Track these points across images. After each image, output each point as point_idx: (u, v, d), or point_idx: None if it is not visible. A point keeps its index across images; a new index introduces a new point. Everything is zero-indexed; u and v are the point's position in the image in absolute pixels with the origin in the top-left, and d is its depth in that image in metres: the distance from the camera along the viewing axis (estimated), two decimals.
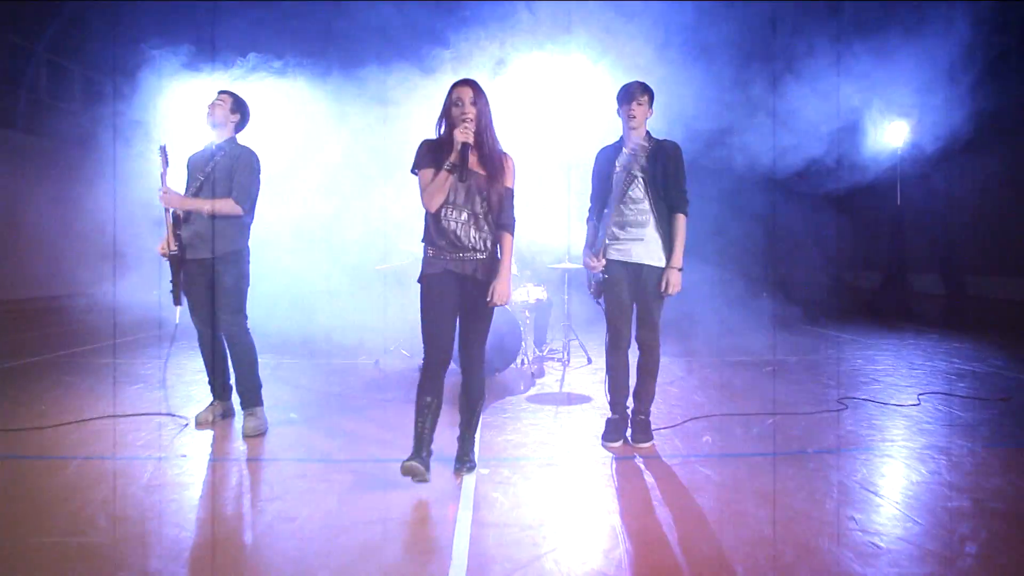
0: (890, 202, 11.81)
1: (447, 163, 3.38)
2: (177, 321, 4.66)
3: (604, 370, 4.36)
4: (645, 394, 4.29)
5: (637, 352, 4.24)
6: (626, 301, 4.20)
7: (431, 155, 3.49)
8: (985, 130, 8.65)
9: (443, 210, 3.46)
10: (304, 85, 9.51)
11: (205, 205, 4.48)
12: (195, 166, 4.59)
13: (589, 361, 7.27)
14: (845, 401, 5.44)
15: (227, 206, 4.52)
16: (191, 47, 9.35)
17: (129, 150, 9.18)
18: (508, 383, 6.17)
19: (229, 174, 4.50)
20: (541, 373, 6.70)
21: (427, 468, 3.38)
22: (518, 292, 7.13)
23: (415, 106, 8.53)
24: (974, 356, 7.77)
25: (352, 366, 7.05)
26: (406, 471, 3.35)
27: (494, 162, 3.52)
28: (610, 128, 7.57)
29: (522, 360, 6.82)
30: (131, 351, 8.08)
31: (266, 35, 9.73)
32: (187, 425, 4.63)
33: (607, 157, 4.30)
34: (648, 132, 4.28)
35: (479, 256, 3.52)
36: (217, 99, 4.58)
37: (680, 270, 4.09)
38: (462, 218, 3.47)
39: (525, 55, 8.33)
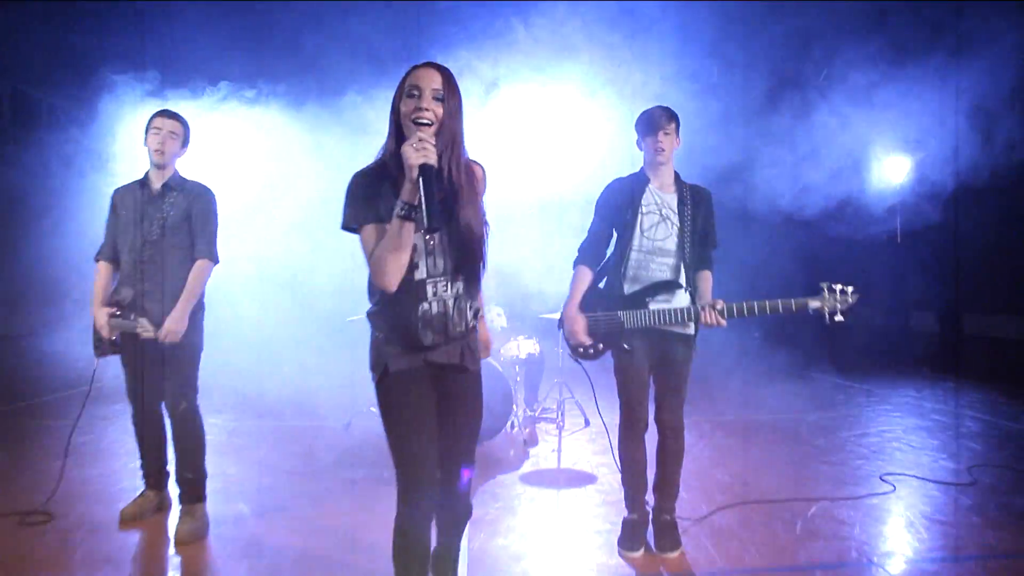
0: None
1: (400, 205, 2.11)
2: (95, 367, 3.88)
3: (611, 445, 3.63)
4: (669, 488, 3.53)
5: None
6: (645, 374, 3.46)
7: (371, 198, 2.26)
8: None
9: (415, 284, 2.30)
10: (277, 114, 8.81)
11: (195, 285, 3.75)
12: (140, 209, 3.73)
13: (587, 423, 6.50)
14: (888, 478, 4.71)
15: (205, 269, 3.80)
16: (157, 73, 8.63)
17: (82, 181, 8.41)
18: (498, 455, 5.39)
19: (185, 218, 3.74)
20: (534, 441, 5.91)
21: None
22: (507, 346, 6.37)
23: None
24: (1005, 411, 7.07)
25: (319, 430, 6.23)
26: None
27: (464, 182, 2.32)
28: (611, 163, 6.85)
29: (512, 423, 6.04)
30: (56, 411, 7.23)
31: (238, 62, 9.01)
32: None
33: (626, 191, 3.52)
34: (675, 171, 3.58)
35: (469, 333, 2.47)
36: (169, 129, 3.75)
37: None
38: (449, 292, 2.34)
39: (519, 79, 7.64)
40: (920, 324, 11.32)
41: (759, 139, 6.67)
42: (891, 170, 10.21)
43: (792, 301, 3.20)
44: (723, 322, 3.23)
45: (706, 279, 3.50)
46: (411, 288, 2.30)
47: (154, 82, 8.53)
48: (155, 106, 8.83)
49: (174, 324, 3.62)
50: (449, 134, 2.27)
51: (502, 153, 8.03)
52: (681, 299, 3.44)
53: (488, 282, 6.44)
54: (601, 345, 3.47)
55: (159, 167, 3.75)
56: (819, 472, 4.95)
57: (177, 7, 8.68)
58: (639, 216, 3.45)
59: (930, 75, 6.38)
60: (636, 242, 3.45)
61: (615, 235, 3.54)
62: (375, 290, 2.35)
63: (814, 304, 3.22)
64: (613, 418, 3.66)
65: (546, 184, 7.83)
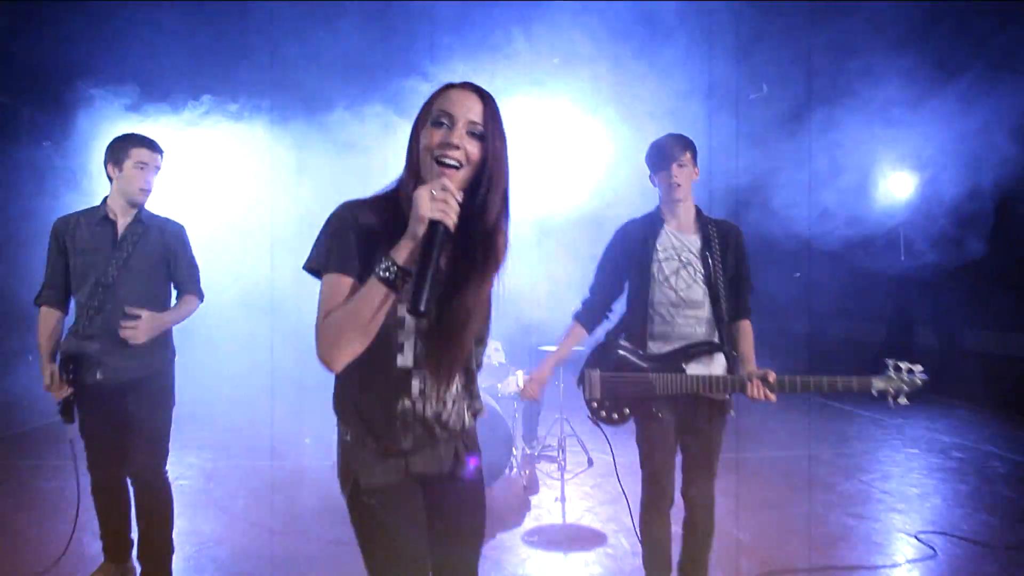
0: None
1: (386, 264, 1.59)
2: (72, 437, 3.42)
3: (630, 515, 3.19)
4: (698, 571, 3.10)
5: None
6: (672, 443, 3.04)
7: (356, 242, 1.73)
8: None
9: (397, 373, 1.78)
10: (261, 131, 8.37)
11: (180, 313, 3.39)
12: (100, 248, 3.25)
13: (590, 463, 6.07)
14: (924, 537, 4.30)
15: (194, 304, 3.44)
16: (136, 87, 8.17)
17: (56, 201, 7.94)
18: (497, 506, 4.95)
19: (153, 260, 3.32)
20: (535, 488, 5.47)
21: None
22: (506, 382, 5.94)
23: (389, 153, 7.42)
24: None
25: (302, 472, 5.77)
26: None
27: (487, 254, 1.76)
28: (616, 183, 6.42)
29: (512, 465, 5.60)
30: (25, 450, 6.75)
31: (220, 75, 8.57)
32: None
33: (639, 235, 3.11)
34: (697, 207, 3.17)
35: (464, 432, 1.94)
36: (156, 164, 3.31)
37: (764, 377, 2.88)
38: (440, 389, 1.82)
39: (518, 92, 7.21)
40: (921, 341, 10.91)
41: (779, 160, 6.26)
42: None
43: (854, 380, 2.77)
44: (772, 397, 2.80)
45: (746, 334, 3.08)
46: (390, 376, 1.77)
47: (132, 96, 8.09)
48: (133, 123, 8.50)
49: (144, 324, 3.18)
50: (486, 185, 1.72)
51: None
52: (719, 362, 3.02)
53: None
54: (627, 410, 3.05)
55: (133, 205, 3.31)
56: (847, 529, 4.53)
57: (156, 17, 8.23)
58: (655, 264, 3.04)
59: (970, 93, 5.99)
60: (656, 294, 3.03)
61: (627, 287, 3.14)
62: (343, 376, 1.81)
63: (878, 385, 2.80)
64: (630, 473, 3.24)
65: (546, 206, 7.40)
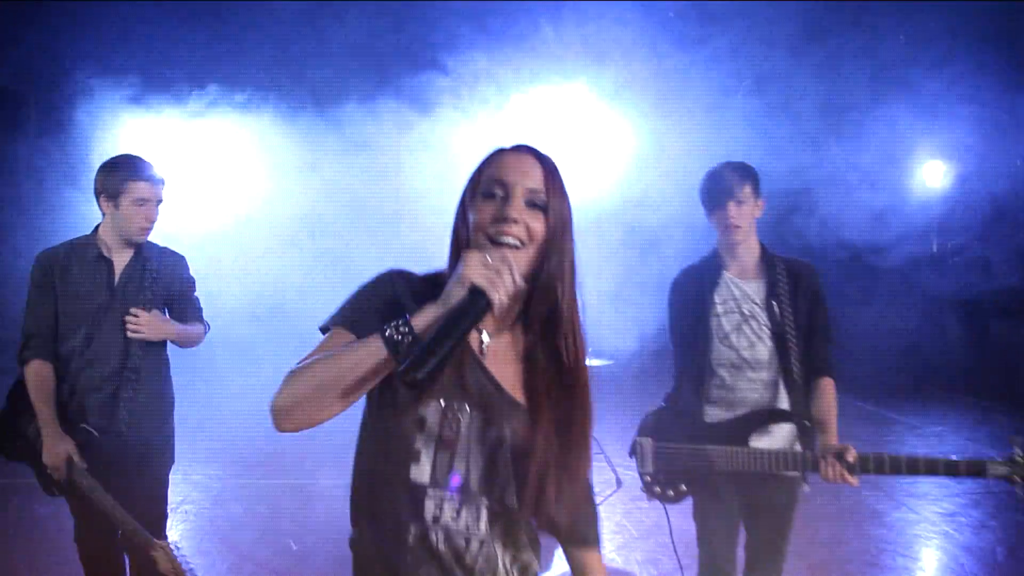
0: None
1: (397, 325, 1.28)
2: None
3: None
4: None
5: None
6: (734, 523, 2.66)
7: (376, 308, 1.41)
8: None
9: (411, 489, 1.41)
10: (269, 123, 7.97)
11: (188, 332, 3.02)
12: (100, 291, 2.84)
13: (619, 484, 5.69)
14: None
15: (198, 330, 3.08)
16: (138, 77, 7.80)
17: (56, 197, 7.59)
18: None
19: (162, 298, 2.94)
20: None
21: None
22: None
23: (403, 152, 7.02)
24: None
25: (311, 489, 5.43)
26: None
27: (560, 363, 1.45)
28: (650, 180, 5.95)
29: None
30: None
31: (225, 67, 8.19)
32: None
33: (695, 285, 2.75)
34: (762, 245, 2.77)
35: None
36: (159, 198, 2.83)
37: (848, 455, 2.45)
38: (463, 522, 1.42)
39: (545, 84, 6.77)
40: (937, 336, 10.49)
41: (831, 163, 5.83)
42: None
43: (963, 463, 2.31)
44: (852, 481, 2.36)
45: (823, 396, 2.62)
46: (401, 491, 1.41)
47: (135, 86, 7.71)
48: (136, 114, 8.13)
49: (149, 320, 2.82)
50: (551, 265, 1.41)
51: None
52: (789, 432, 2.63)
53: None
54: (684, 486, 2.66)
55: (132, 244, 2.89)
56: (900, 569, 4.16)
57: (159, 5, 7.85)
58: (713, 319, 2.66)
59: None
60: (714, 353, 2.65)
61: (685, 344, 2.77)
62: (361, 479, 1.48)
63: (998, 471, 2.26)
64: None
65: (578, 201, 6.94)
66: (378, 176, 6.76)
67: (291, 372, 1.33)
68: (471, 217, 1.43)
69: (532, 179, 1.41)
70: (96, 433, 2.79)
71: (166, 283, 2.95)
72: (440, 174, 6.99)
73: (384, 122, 6.96)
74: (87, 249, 2.85)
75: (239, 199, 8.06)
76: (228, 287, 6.88)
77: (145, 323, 2.82)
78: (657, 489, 2.71)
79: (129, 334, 2.80)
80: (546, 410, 1.42)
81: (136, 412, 2.84)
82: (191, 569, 2.56)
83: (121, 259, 2.88)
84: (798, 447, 2.61)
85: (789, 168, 5.44)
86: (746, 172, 2.69)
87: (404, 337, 1.26)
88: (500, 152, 1.48)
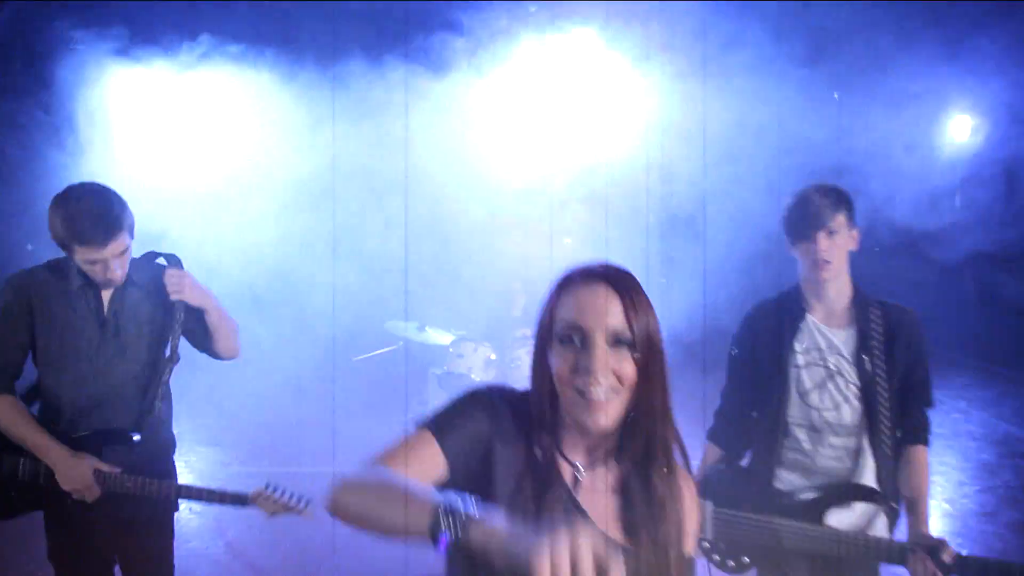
0: None
1: (454, 518, 1.10)
2: None
3: None
4: None
5: None
6: None
7: (467, 435, 1.33)
8: None
9: None
10: (268, 77, 7.42)
11: (228, 321, 2.64)
12: (79, 326, 2.45)
13: None
14: None
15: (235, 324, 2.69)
16: (124, 28, 7.24)
17: (42, 164, 7.09)
18: None
19: (161, 324, 2.54)
20: None
21: None
22: None
23: (413, 117, 6.52)
24: None
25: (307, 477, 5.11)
26: None
27: (656, 495, 1.35)
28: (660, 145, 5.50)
29: None
30: None
31: (219, 12, 7.62)
32: None
33: (773, 327, 2.38)
34: (855, 284, 2.38)
35: None
36: (117, 253, 2.34)
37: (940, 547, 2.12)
38: None
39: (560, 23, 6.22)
40: None
41: (886, 144, 5.37)
42: None
43: None
44: None
45: (918, 469, 2.27)
46: None
47: (121, 39, 7.18)
48: (123, 68, 7.59)
49: (196, 283, 2.50)
50: (642, 404, 1.29)
51: (535, 126, 6.70)
52: (871, 512, 2.29)
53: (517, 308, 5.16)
54: (746, 558, 2.34)
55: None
56: None
57: None
58: (792, 370, 2.30)
59: None
60: (792, 411, 2.30)
61: (756, 396, 2.41)
62: None
63: None
64: None
65: (583, 162, 6.40)
66: (386, 140, 6.28)
67: (352, 477, 1.26)
68: (551, 363, 1.31)
69: (612, 316, 1.28)
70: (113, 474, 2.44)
71: (168, 304, 2.53)
72: (451, 138, 6.54)
73: (392, 83, 6.47)
74: (70, 276, 2.44)
75: (234, 158, 7.59)
76: (222, 253, 6.53)
77: (188, 285, 2.48)
78: (716, 558, 2.40)
79: (172, 296, 2.45)
80: (643, 546, 1.32)
81: (136, 454, 2.49)
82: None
83: (105, 291, 2.48)
84: (880, 523, 2.29)
85: (842, 148, 5.02)
86: (840, 197, 2.31)
87: (454, 534, 1.10)
88: (570, 285, 1.33)
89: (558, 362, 1.30)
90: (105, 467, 2.40)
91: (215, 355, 2.68)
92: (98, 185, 2.38)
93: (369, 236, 6.39)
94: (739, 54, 5.46)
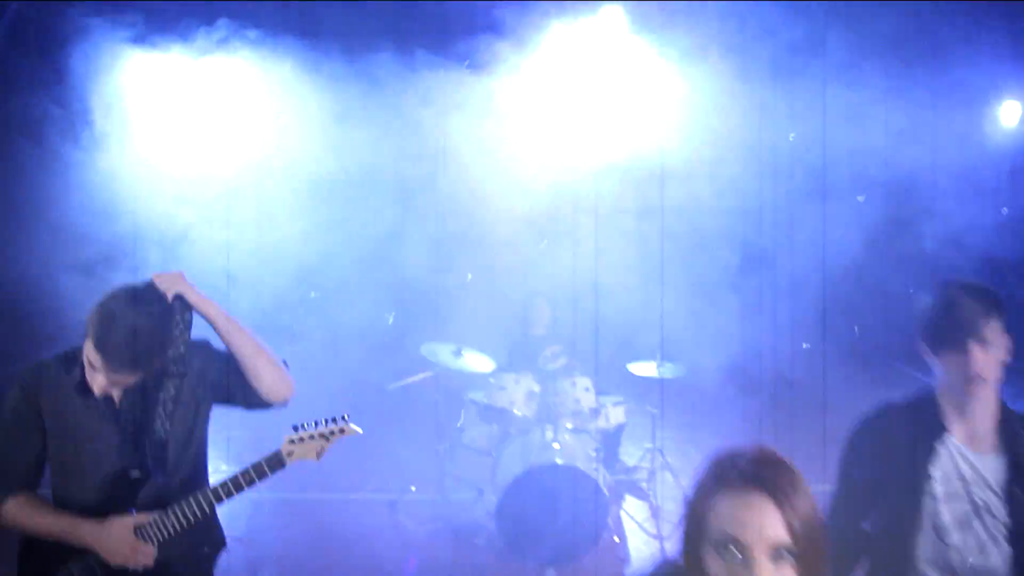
0: None
1: None
2: None
3: None
4: None
5: None
6: None
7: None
8: None
9: None
10: (289, 73, 7.08)
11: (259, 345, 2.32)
12: (94, 430, 2.20)
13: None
14: None
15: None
16: (139, 14, 6.96)
17: (56, 163, 6.84)
18: None
19: (192, 411, 2.30)
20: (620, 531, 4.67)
21: None
22: (597, 424, 4.98)
23: (451, 114, 6.14)
24: None
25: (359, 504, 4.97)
26: None
27: None
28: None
29: (608, 527, 4.69)
30: None
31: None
32: None
33: (902, 444, 2.02)
34: (1001, 401, 2.02)
35: None
36: (110, 381, 2.10)
37: None
38: None
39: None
40: None
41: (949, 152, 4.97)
42: None
43: None
44: None
45: None
46: None
47: (136, 25, 6.90)
48: (138, 55, 7.29)
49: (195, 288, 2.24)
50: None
51: (562, 127, 6.33)
52: None
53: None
54: None
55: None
56: None
57: None
58: (928, 501, 1.97)
59: None
60: (926, 551, 1.98)
61: (877, 524, 2.08)
62: None
63: None
64: None
65: (604, 156, 5.99)
66: (415, 138, 5.98)
67: None
68: (708, 566, 1.23)
69: (772, 529, 1.19)
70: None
71: (192, 390, 2.27)
72: (481, 136, 6.19)
73: (424, 77, 6.13)
74: (76, 368, 2.16)
75: (254, 148, 7.31)
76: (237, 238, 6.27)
77: (182, 279, 2.23)
78: None
79: (167, 294, 2.18)
80: None
81: (179, 548, 2.23)
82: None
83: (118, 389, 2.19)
84: None
85: (893, 157, 4.64)
86: (993, 302, 1.97)
87: None
88: (725, 488, 1.24)
89: (717, 569, 1.22)
90: (140, 518, 2.15)
91: (264, 399, 2.33)
92: (153, 313, 2.11)
93: (393, 241, 6.12)
94: (801, 56, 5.08)
